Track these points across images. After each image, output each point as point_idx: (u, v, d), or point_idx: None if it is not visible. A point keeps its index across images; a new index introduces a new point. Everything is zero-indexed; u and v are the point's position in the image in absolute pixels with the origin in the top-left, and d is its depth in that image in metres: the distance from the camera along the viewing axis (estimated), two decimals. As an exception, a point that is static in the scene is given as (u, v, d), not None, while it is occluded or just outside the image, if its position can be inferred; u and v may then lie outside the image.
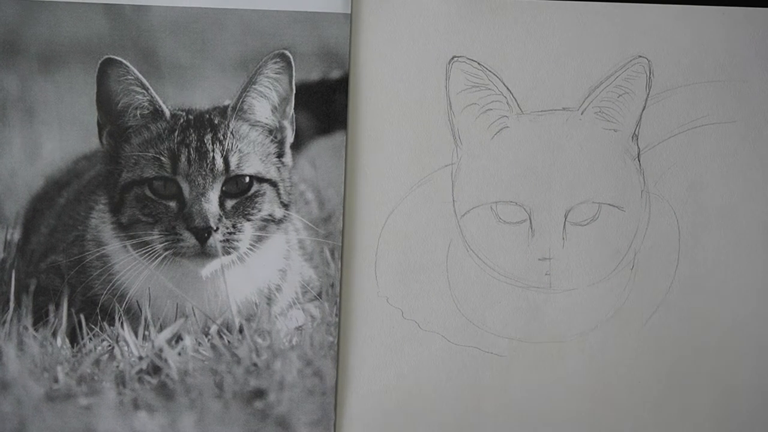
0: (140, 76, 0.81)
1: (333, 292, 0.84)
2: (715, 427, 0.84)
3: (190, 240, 0.80)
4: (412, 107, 0.84)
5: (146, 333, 0.82)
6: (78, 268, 0.83)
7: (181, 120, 0.82)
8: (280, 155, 0.83)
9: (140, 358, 0.82)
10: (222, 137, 0.81)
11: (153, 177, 0.81)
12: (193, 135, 0.81)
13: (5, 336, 0.81)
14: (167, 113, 0.82)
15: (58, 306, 0.82)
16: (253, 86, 0.82)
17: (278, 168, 0.83)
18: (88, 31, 0.82)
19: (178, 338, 0.82)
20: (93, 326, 0.82)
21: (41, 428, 0.81)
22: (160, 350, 0.82)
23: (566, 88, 0.84)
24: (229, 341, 0.82)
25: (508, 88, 0.84)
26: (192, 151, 0.81)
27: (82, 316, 0.82)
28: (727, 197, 0.84)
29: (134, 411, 0.81)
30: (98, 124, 0.82)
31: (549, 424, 0.84)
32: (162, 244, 0.80)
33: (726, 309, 0.84)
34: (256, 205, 0.82)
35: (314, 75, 0.83)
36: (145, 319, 0.82)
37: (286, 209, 0.83)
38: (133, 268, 0.82)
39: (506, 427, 0.84)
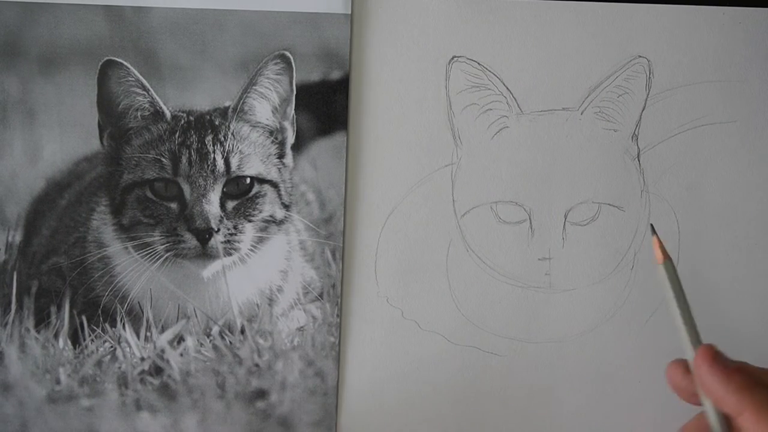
0: (141, 77, 0.81)
1: (334, 293, 0.84)
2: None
3: (191, 241, 0.80)
4: (412, 107, 0.84)
5: (148, 334, 0.82)
6: (79, 269, 0.83)
7: (182, 121, 0.82)
8: (280, 156, 0.84)
9: (142, 359, 0.82)
10: (223, 138, 0.81)
11: (154, 178, 0.81)
12: (193, 136, 0.81)
13: (7, 338, 0.82)
14: (168, 114, 0.82)
15: (59, 307, 0.82)
16: (254, 87, 0.82)
17: (279, 169, 0.83)
18: (89, 32, 0.82)
19: (179, 339, 0.82)
20: (95, 327, 0.82)
21: (43, 430, 0.81)
22: (162, 351, 0.82)
23: (566, 88, 0.84)
24: (230, 342, 0.82)
25: (508, 88, 0.84)
26: (193, 153, 0.81)
27: (83, 318, 0.82)
28: (727, 197, 0.85)
29: (136, 412, 0.82)
30: (99, 125, 0.82)
31: (549, 425, 0.84)
32: (163, 246, 0.81)
33: (726, 309, 0.85)
34: (257, 206, 0.82)
35: (315, 76, 0.83)
36: (147, 321, 0.82)
37: (287, 210, 0.84)
38: (135, 270, 0.82)
39: (506, 427, 0.84)
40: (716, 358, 0.66)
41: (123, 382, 0.81)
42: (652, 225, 0.77)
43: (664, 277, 0.69)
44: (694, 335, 0.68)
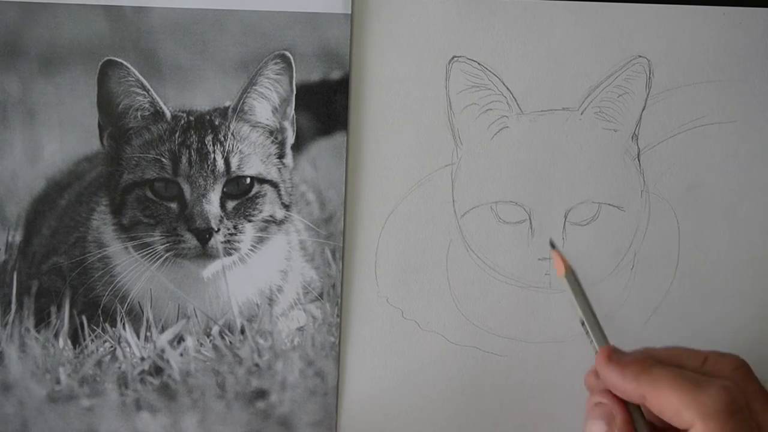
0: (141, 77, 0.81)
1: (334, 293, 0.84)
2: (715, 426, 0.84)
3: (191, 241, 0.80)
4: (412, 107, 0.84)
5: (148, 334, 0.82)
6: (79, 269, 0.83)
7: (182, 121, 0.82)
8: (280, 156, 0.84)
9: (142, 359, 0.82)
10: (223, 138, 0.81)
11: (154, 178, 0.81)
12: (193, 136, 0.81)
13: (7, 338, 0.82)
14: (168, 114, 0.82)
15: (59, 307, 0.82)
16: (254, 87, 0.82)
17: (279, 169, 0.83)
18: (89, 32, 0.82)
19: (179, 339, 0.82)
20: (95, 327, 0.82)
21: (43, 430, 0.81)
22: (162, 351, 0.82)
23: (566, 88, 0.84)
24: (230, 342, 0.83)
25: (508, 88, 0.84)
26: (193, 153, 0.81)
27: (83, 318, 0.82)
28: (727, 197, 0.85)
29: (137, 412, 0.82)
30: (99, 125, 0.82)
31: (549, 425, 0.84)
32: (163, 246, 0.81)
33: (726, 309, 0.85)
34: (257, 206, 0.82)
35: (315, 76, 0.83)
36: (147, 320, 0.82)
37: (287, 210, 0.84)
38: (135, 270, 0.82)
39: (506, 427, 0.84)
40: (611, 355, 0.68)
41: (123, 382, 0.82)
42: (551, 240, 0.78)
43: (567, 288, 0.72)
44: (600, 339, 0.70)
